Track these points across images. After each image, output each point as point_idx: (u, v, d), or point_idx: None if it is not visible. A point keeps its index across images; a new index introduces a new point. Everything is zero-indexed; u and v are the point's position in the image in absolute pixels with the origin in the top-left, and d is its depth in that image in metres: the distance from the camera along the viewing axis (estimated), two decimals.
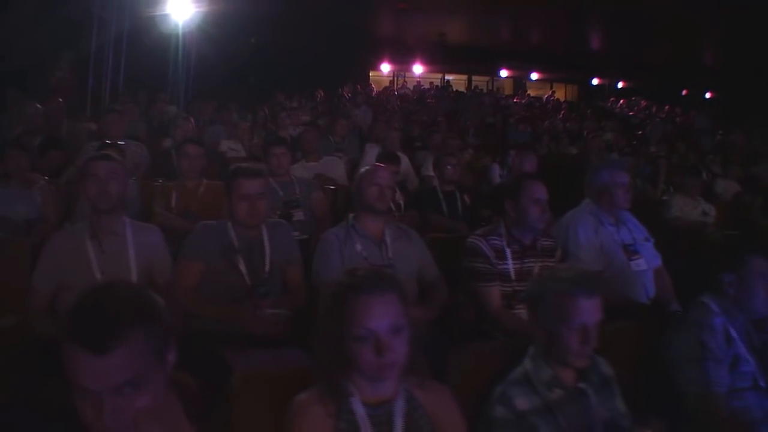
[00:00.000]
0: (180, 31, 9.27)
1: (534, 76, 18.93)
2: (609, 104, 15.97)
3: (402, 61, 17.56)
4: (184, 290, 2.35)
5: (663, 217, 4.97)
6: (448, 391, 1.48)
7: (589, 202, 2.94)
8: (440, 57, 16.63)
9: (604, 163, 3.03)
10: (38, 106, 4.76)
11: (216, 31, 9.68)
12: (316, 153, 4.87)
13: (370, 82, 16.74)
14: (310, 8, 10.81)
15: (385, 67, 17.99)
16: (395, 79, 18.36)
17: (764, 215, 5.22)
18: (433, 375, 1.60)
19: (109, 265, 2.25)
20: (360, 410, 1.33)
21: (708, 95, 16.77)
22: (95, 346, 0.96)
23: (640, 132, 10.74)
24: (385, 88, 16.37)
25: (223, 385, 1.50)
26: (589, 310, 1.58)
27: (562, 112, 12.96)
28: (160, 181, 3.88)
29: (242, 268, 2.38)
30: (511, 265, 2.50)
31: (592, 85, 18.97)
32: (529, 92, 17.46)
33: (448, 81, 18.04)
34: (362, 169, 2.72)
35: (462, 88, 17.60)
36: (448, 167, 4.10)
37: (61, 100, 5.27)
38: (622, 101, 15.87)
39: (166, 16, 8.85)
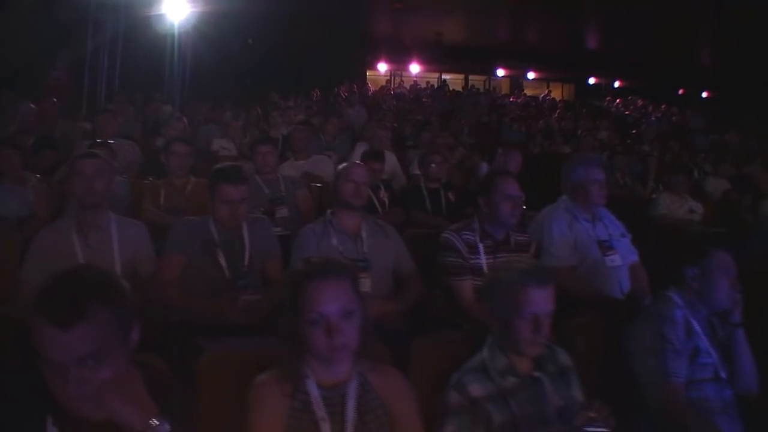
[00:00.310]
0: (176, 32, 9.31)
1: (531, 75, 18.97)
2: (605, 103, 15.96)
3: (399, 60, 17.59)
4: (166, 283, 2.44)
5: (650, 215, 5.03)
6: (402, 375, 1.54)
7: (565, 199, 2.95)
8: (437, 56, 16.65)
9: (579, 159, 3.05)
10: (32, 106, 4.83)
11: (212, 32, 9.70)
12: (306, 152, 4.94)
13: (367, 81, 16.75)
14: (307, 8, 10.82)
15: (383, 67, 18.04)
16: (392, 78, 18.39)
17: (753, 213, 5.26)
18: (398, 363, 1.67)
19: (94, 259, 2.32)
20: (314, 391, 1.40)
21: (705, 94, 16.76)
22: (61, 320, 1.05)
23: (634, 131, 10.75)
24: (382, 87, 16.38)
25: (192, 368, 1.57)
26: (540, 299, 1.61)
27: (558, 111, 12.98)
28: (150, 179, 3.95)
29: (222, 262, 2.46)
30: (483, 260, 2.56)
31: (589, 84, 18.94)
32: (525, 91, 17.47)
33: (444, 80, 18.04)
34: (339, 166, 2.79)
35: (459, 88, 17.59)
36: (433, 165, 4.17)
37: (55, 99, 5.32)
38: (618, 100, 15.86)
39: (161, 16, 8.88)
